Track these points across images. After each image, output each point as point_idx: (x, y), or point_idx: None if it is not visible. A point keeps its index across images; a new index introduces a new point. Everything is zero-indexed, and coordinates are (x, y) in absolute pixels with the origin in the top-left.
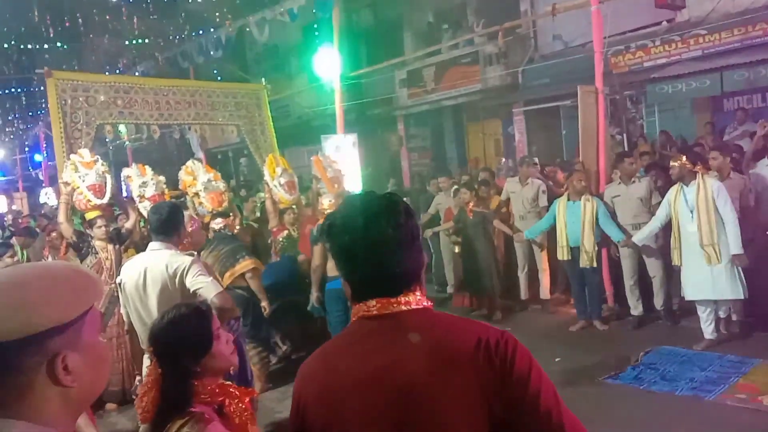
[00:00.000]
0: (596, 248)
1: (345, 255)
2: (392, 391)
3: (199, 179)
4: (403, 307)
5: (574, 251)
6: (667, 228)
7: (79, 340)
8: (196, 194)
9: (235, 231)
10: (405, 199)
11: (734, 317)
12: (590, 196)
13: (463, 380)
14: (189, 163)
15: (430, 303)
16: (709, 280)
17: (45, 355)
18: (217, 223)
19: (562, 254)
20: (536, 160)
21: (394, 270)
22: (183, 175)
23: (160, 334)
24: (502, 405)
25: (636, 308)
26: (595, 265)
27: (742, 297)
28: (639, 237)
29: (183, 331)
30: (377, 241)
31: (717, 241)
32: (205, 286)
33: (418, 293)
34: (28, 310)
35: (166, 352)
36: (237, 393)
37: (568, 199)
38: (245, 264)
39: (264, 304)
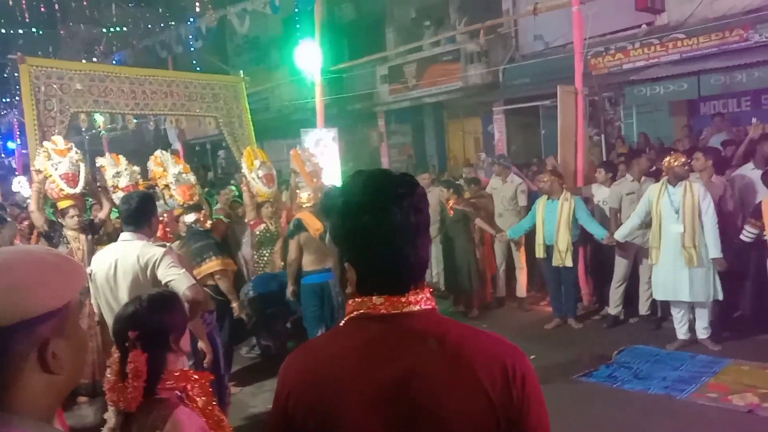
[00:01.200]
0: (571, 248)
1: (360, 238)
2: (402, 405)
3: (169, 171)
4: (413, 308)
5: (550, 249)
6: None
7: (65, 327)
8: (167, 186)
9: (207, 226)
10: None
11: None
12: (569, 195)
13: (481, 403)
14: (158, 153)
15: (433, 303)
16: (686, 281)
17: (34, 342)
18: (190, 218)
19: (539, 252)
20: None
21: (410, 261)
22: (152, 166)
23: (144, 317)
24: None
25: (615, 308)
26: (569, 264)
27: (712, 299)
28: (620, 233)
29: (169, 312)
30: (400, 226)
31: (698, 244)
32: (177, 278)
33: (426, 292)
34: (22, 294)
35: (155, 334)
36: (196, 377)
37: (548, 198)
38: (210, 265)
39: (234, 305)
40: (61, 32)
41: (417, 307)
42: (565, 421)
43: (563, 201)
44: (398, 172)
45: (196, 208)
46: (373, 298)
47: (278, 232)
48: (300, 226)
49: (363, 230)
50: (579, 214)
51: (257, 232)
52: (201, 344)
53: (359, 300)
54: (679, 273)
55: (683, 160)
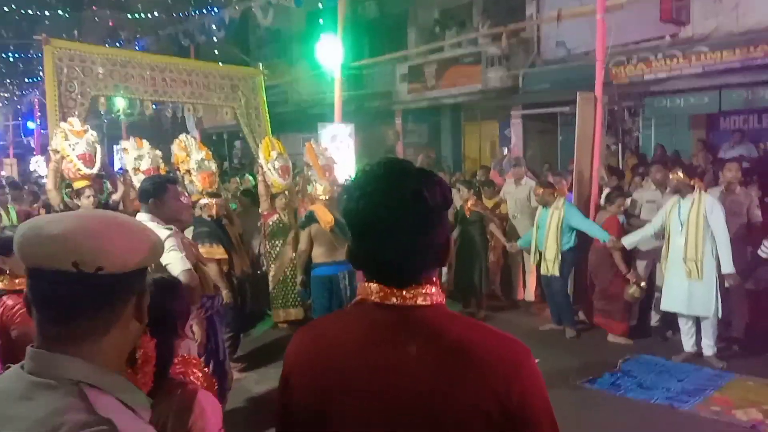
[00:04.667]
0: (559, 257)
1: (360, 227)
2: (393, 395)
3: (192, 156)
4: (408, 303)
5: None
6: None
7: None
8: (188, 172)
9: (212, 214)
10: None
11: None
12: (561, 203)
13: (472, 406)
14: (182, 137)
15: (441, 298)
16: (685, 294)
17: (135, 290)
18: (201, 204)
19: (533, 260)
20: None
21: (407, 258)
22: (176, 149)
23: (152, 302)
24: None
25: None
26: (556, 273)
27: (711, 315)
28: (629, 240)
29: (176, 297)
30: (401, 223)
31: (700, 257)
32: (173, 262)
33: (429, 288)
34: (149, 243)
35: (164, 319)
36: (194, 362)
37: (544, 207)
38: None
39: (224, 292)
40: (87, 15)
41: (412, 303)
42: (565, 426)
43: (554, 210)
44: (419, 167)
45: (212, 195)
46: (371, 284)
47: (291, 223)
48: (312, 218)
49: (363, 221)
50: (573, 221)
51: (270, 223)
52: (194, 328)
53: (363, 285)
54: (680, 285)
55: (680, 175)
